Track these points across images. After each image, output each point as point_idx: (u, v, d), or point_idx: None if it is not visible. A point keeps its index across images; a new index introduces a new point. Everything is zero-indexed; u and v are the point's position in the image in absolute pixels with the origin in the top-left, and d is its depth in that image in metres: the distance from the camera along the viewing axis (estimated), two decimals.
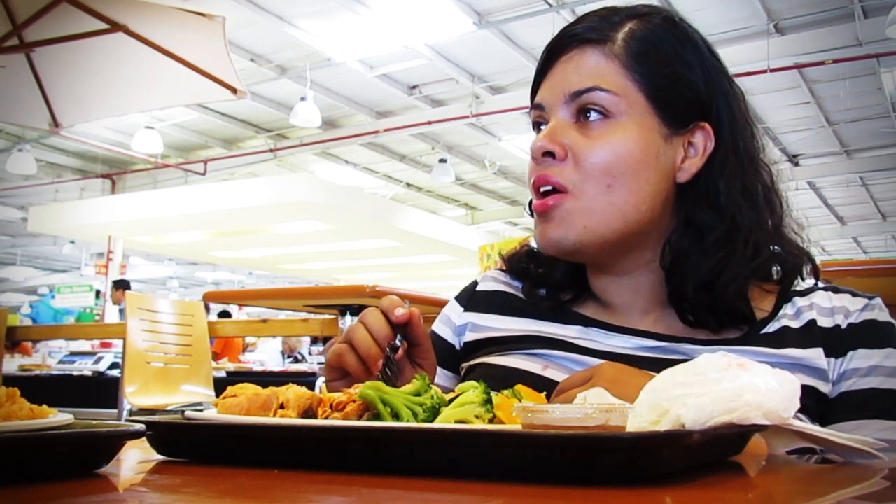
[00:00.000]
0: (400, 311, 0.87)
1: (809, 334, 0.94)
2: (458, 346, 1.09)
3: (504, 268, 1.12)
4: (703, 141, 0.95)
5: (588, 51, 0.94)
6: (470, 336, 1.08)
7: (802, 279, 1.01)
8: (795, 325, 0.96)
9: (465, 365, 1.07)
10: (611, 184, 0.90)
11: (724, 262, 0.92)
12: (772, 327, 0.95)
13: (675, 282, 0.94)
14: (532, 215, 1.03)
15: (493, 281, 1.11)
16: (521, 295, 1.07)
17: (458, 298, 1.14)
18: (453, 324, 1.11)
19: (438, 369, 1.07)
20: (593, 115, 0.92)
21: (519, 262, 1.09)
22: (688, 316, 0.94)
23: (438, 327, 1.12)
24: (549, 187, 0.92)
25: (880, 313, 0.96)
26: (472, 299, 1.11)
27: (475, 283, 1.13)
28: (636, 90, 0.92)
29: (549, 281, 1.04)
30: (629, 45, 0.93)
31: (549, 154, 0.92)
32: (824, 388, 0.92)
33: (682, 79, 0.94)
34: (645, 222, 0.93)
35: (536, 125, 0.99)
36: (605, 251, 0.95)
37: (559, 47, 0.96)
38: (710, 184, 0.95)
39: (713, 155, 0.95)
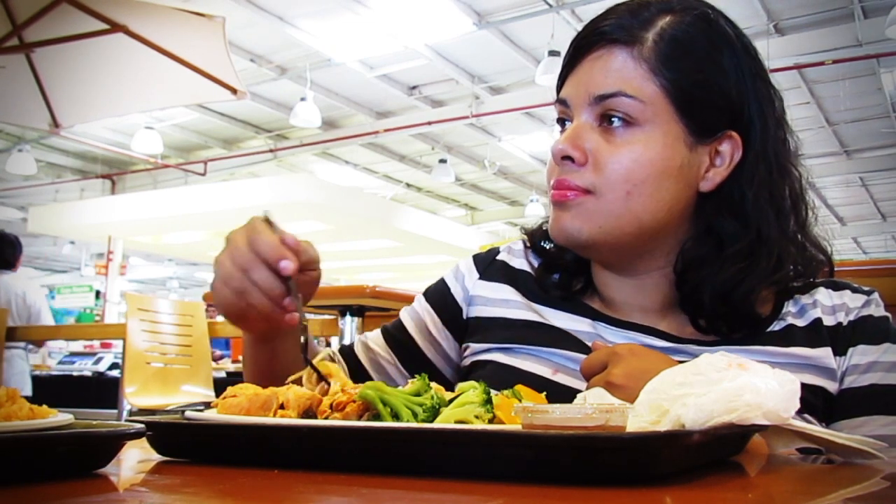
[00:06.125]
0: (287, 264, 0.81)
1: (817, 333, 0.94)
2: (464, 315, 1.07)
3: (527, 242, 1.09)
4: (730, 150, 0.92)
5: (616, 51, 0.91)
6: (479, 311, 1.06)
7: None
8: (801, 323, 0.95)
9: (469, 350, 1.04)
10: (630, 191, 0.89)
11: (744, 274, 0.90)
12: (777, 325, 0.95)
13: (687, 288, 0.93)
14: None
15: (514, 255, 1.09)
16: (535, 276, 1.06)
17: (476, 260, 1.11)
18: (466, 289, 1.08)
19: (436, 318, 1.08)
20: (617, 121, 0.89)
21: (538, 240, 1.07)
22: (700, 322, 0.93)
23: (450, 280, 1.11)
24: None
25: (876, 308, 0.96)
26: (490, 267, 1.09)
27: (497, 251, 1.11)
28: (663, 97, 0.89)
29: (560, 263, 1.03)
30: (659, 47, 0.90)
31: (569, 158, 0.91)
32: (832, 387, 0.91)
33: (712, 85, 0.91)
34: (661, 229, 0.92)
35: (561, 120, 0.97)
36: (616, 252, 0.94)
37: (587, 43, 0.93)
38: (735, 193, 0.92)
39: (741, 164, 0.92)
